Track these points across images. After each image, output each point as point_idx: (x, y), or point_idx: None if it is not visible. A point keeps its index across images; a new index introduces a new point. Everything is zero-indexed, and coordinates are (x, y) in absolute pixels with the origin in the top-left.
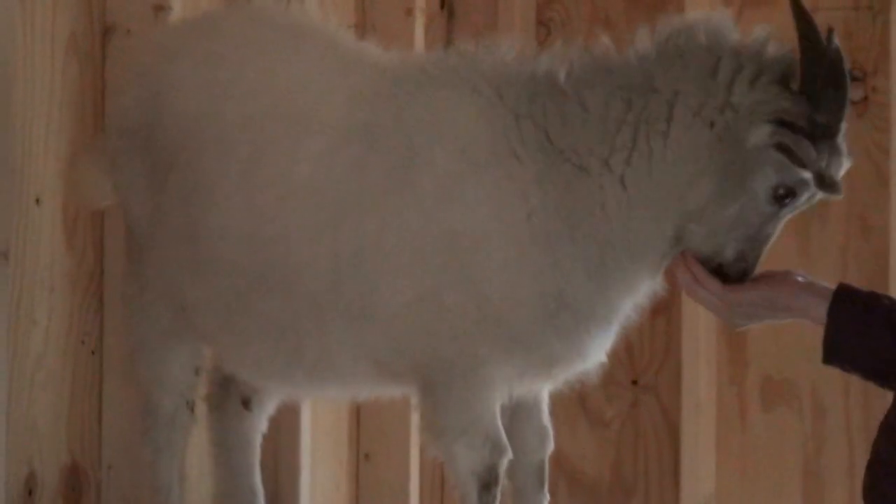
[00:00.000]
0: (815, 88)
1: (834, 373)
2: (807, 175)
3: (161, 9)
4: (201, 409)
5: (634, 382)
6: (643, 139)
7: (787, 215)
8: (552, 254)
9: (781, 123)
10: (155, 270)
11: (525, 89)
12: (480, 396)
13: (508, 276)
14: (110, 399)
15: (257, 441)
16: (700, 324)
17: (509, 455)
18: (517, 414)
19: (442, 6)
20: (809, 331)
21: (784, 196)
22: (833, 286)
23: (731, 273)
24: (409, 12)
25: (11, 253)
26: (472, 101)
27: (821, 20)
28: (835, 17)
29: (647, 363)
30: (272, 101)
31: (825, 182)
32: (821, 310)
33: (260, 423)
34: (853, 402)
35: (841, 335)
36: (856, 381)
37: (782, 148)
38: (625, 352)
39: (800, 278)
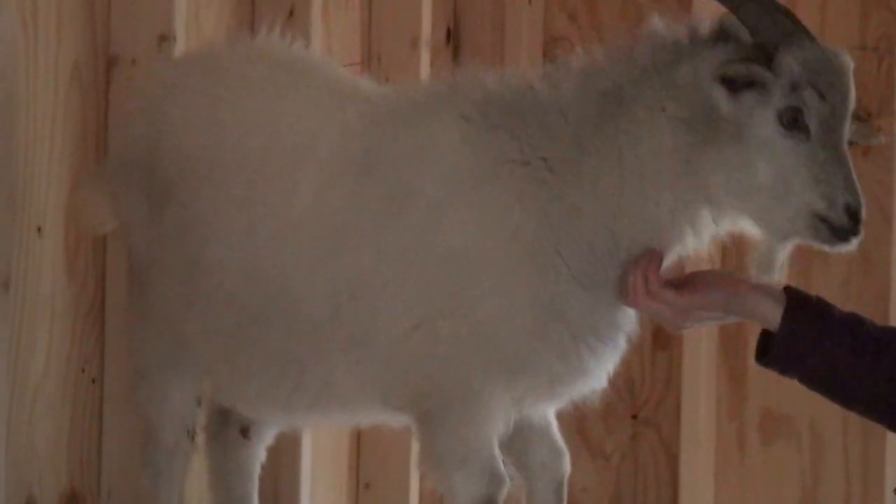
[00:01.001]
0: (741, 17)
1: (833, 408)
2: (784, 80)
3: (165, 39)
4: (201, 437)
5: (634, 416)
6: (613, 144)
7: (826, 129)
8: (540, 268)
9: (725, 77)
10: (155, 302)
11: (506, 107)
12: (478, 427)
13: (498, 297)
14: (110, 426)
15: (256, 470)
16: (701, 359)
17: (508, 485)
18: (529, 437)
19: (448, 39)
20: None
21: (793, 118)
22: (780, 287)
23: (841, 223)
24: (415, 45)
25: (12, 281)
26: (457, 127)
27: None
28: None
29: (647, 397)
30: (269, 137)
31: (815, 64)
32: (775, 312)
33: (258, 453)
34: (851, 437)
35: (794, 338)
36: (854, 417)
37: (736, 81)
38: (625, 386)
39: (745, 278)
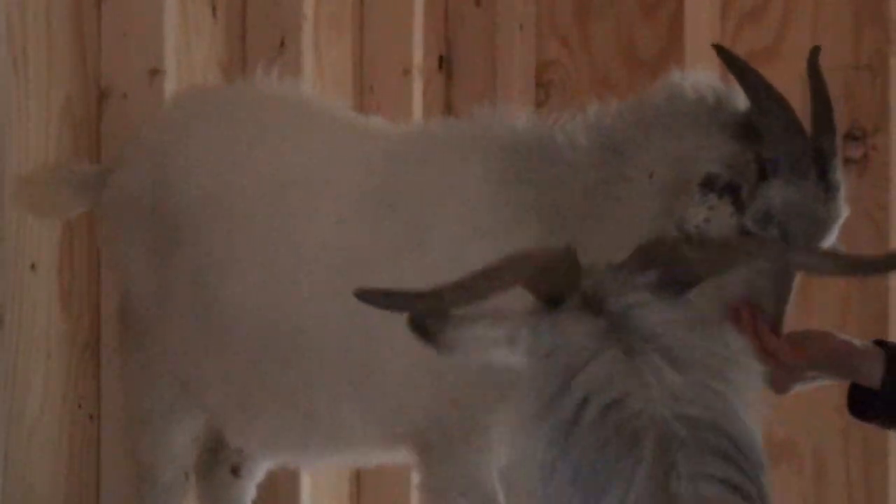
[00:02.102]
0: (762, 123)
1: (834, 431)
2: (759, 205)
3: (156, 73)
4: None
5: None
6: (609, 201)
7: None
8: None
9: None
10: (160, 347)
11: (530, 156)
12: (480, 459)
13: None
14: (108, 463)
15: None
16: None
17: None
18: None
19: (440, 66)
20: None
21: None
22: (868, 343)
23: None
24: (407, 72)
25: (7, 318)
26: (483, 169)
27: None
28: (834, 76)
29: None
30: (286, 175)
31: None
32: (874, 368)
33: (250, 490)
34: (853, 460)
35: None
36: (856, 439)
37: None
38: None
39: (841, 335)
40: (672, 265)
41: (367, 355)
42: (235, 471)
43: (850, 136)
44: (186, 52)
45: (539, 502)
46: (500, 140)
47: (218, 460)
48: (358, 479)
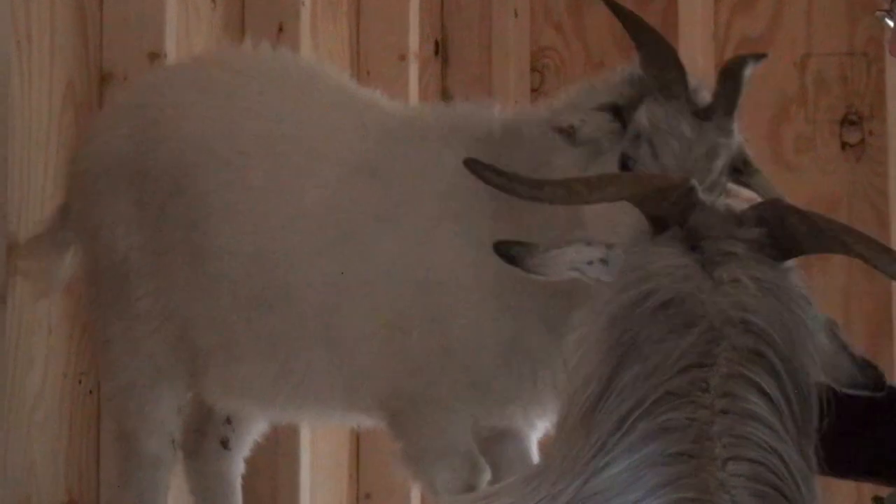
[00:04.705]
0: (642, 55)
1: None
2: (633, 129)
3: (156, 56)
4: (180, 454)
5: None
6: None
7: None
8: (513, 304)
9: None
10: (149, 300)
11: (497, 143)
12: (451, 420)
13: (472, 321)
14: (107, 438)
15: (238, 481)
16: None
17: (488, 475)
18: (496, 437)
19: (436, 52)
20: None
21: (624, 164)
22: None
23: None
24: (403, 58)
25: (9, 296)
26: (453, 154)
27: (816, 66)
28: (830, 62)
29: None
30: (291, 130)
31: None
32: None
33: (239, 463)
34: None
35: None
36: None
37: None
38: None
39: None
40: (779, 230)
41: (342, 316)
42: (225, 443)
43: (847, 122)
44: (186, 36)
45: (570, 373)
46: (476, 130)
47: (206, 436)
48: (358, 456)
